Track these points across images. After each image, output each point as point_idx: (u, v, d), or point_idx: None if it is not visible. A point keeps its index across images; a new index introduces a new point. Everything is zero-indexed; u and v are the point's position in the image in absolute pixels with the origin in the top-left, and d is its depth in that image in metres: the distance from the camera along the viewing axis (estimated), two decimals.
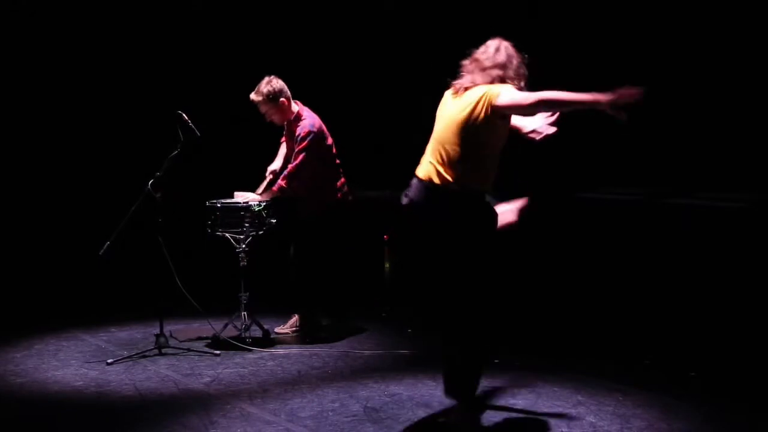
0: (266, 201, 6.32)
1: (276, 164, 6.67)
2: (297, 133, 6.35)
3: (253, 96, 6.37)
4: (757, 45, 6.47)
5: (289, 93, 6.40)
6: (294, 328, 6.63)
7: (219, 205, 6.29)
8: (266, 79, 6.36)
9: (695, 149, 6.92)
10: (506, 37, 4.47)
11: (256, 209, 6.26)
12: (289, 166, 6.33)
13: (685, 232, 6.76)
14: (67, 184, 8.92)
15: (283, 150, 6.70)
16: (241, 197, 6.36)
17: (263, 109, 6.40)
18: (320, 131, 6.38)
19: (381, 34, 8.87)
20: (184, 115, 6.12)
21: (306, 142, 6.30)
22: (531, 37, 7.67)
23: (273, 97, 6.32)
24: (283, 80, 6.42)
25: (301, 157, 6.29)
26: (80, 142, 8.96)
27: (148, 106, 8.75)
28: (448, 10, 8.31)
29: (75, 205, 8.78)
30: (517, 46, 4.46)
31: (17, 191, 8.72)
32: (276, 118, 6.45)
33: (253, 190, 6.48)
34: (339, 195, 6.52)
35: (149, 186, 6.03)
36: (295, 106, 6.46)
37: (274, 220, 6.40)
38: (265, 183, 6.59)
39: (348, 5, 8.97)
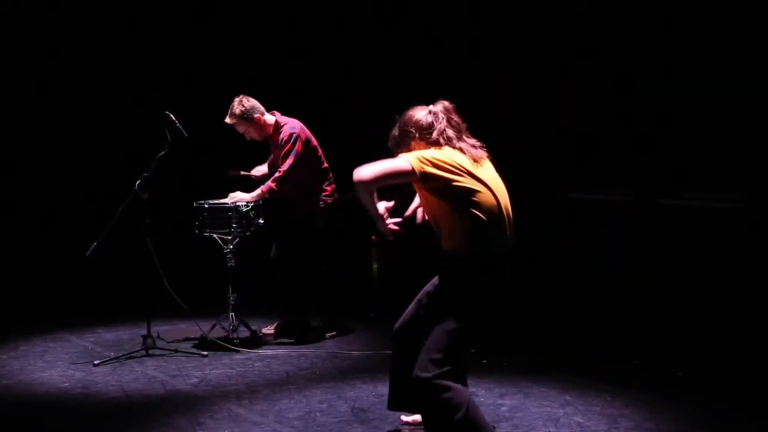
0: (254, 201, 6.31)
1: (264, 168, 6.67)
2: (280, 139, 6.35)
3: (227, 120, 6.37)
4: (750, 46, 6.50)
5: (262, 108, 6.39)
6: (275, 329, 6.64)
7: (207, 206, 6.28)
8: (236, 100, 6.35)
9: (686, 149, 6.95)
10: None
11: (244, 210, 6.25)
12: (279, 170, 6.31)
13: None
14: (55, 184, 8.89)
15: (271, 158, 6.68)
16: (230, 198, 6.35)
17: (241, 129, 6.41)
18: (302, 132, 6.38)
19: (369, 36, 8.88)
20: (171, 115, 6.11)
21: (290, 144, 6.30)
22: (522, 38, 7.75)
23: (247, 116, 6.32)
24: (272, 80, 6.42)
25: (290, 159, 6.28)
26: (68, 141, 8.94)
27: (136, 107, 8.73)
28: (436, 15, 8.33)
29: (62, 206, 8.76)
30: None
31: (2, 192, 8.68)
32: (256, 135, 6.46)
33: (242, 190, 6.46)
34: (329, 200, 6.52)
35: (137, 186, 6.02)
36: (272, 117, 6.45)
37: (262, 221, 6.40)
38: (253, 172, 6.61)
39: (336, 8, 8.97)
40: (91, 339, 6.72)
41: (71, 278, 8.00)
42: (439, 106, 4.16)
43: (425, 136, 4.09)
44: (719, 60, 6.64)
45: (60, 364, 6.01)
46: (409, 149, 4.10)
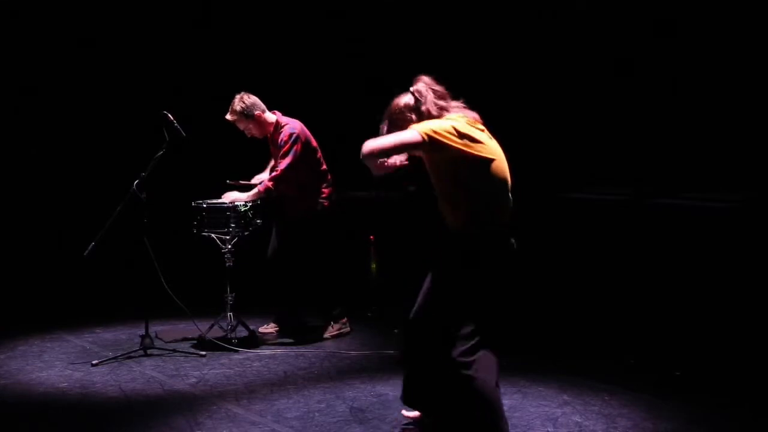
0: (252, 201, 6.31)
1: (264, 174, 6.65)
2: (280, 139, 6.35)
3: (228, 116, 6.37)
4: (747, 46, 6.51)
5: (263, 105, 6.39)
6: (276, 328, 6.65)
7: (205, 206, 6.28)
8: (237, 97, 6.34)
9: (682, 149, 6.95)
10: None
11: (242, 210, 6.25)
12: (277, 169, 6.32)
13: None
14: (52, 184, 8.88)
15: (272, 163, 6.67)
16: (226, 197, 6.35)
17: (241, 126, 6.41)
18: (302, 133, 6.39)
19: (367, 34, 8.87)
20: (169, 115, 6.10)
21: (289, 144, 6.30)
22: (524, 40, 7.75)
23: (247, 113, 6.31)
24: (270, 80, 6.41)
25: (287, 159, 6.28)
26: (66, 141, 8.93)
27: (134, 107, 8.73)
28: (434, 15, 8.33)
29: (60, 206, 8.75)
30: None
31: (0, 192, 8.67)
32: (256, 133, 6.45)
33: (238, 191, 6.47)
34: (326, 203, 6.52)
35: (135, 186, 6.01)
36: (273, 116, 6.45)
37: (260, 221, 6.40)
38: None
39: (332, 6, 8.97)
40: (90, 339, 6.72)
41: (69, 278, 7.99)
42: (420, 83, 4.17)
43: (420, 114, 4.10)
44: (719, 60, 6.64)
45: (58, 364, 6.00)
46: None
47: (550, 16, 7.68)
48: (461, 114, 4.11)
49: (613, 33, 7.30)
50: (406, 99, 4.16)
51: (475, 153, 3.97)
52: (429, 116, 4.09)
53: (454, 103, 4.16)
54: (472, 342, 4.02)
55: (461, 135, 3.96)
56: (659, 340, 6.17)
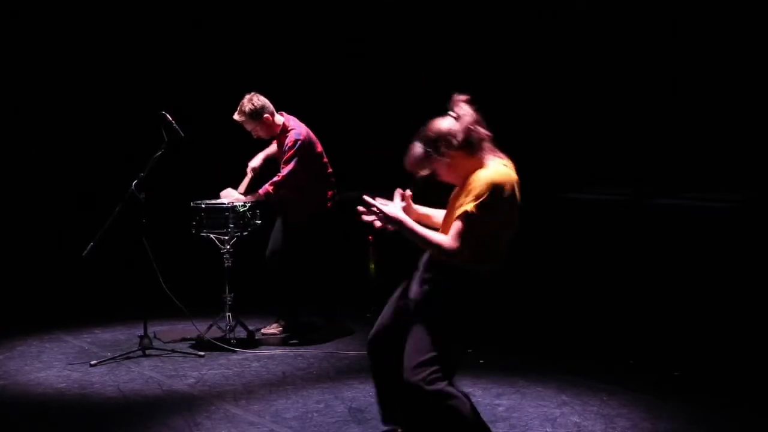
0: (251, 202, 6.30)
1: (256, 161, 6.61)
2: (285, 144, 6.34)
3: (236, 116, 6.34)
4: (747, 46, 6.50)
5: (272, 107, 6.37)
6: (279, 329, 6.64)
7: (203, 206, 6.27)
8: (247, 97, 6.31)
9: (682, 149, 6.95)
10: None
11: (241, 210, 6.24)
12: (278, 175, 6.31)
13: None
14: (51, 184, 8.89)
15: (270, 149, 6.64)
16: (226, 197, 6.35)
17: (249, 127, 6.39)
18: (308, 139, 6.37)
19: (367, 35, 8.87)
20: (167, 115, 6.10)
21: (294, 150, 6.28)
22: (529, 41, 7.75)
23: (256, 114, 6.29)
24: (272, 80, 6.40)
25: (290, 166, 6.27)
26: (64, 142, 8.93)
27: (132, 107, 8.73)
28: (434, 16, 8.32)
29: (58, 206, 8.75)
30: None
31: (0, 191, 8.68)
32: (263, 134, 6.43)
33: (236, 188, 6.46)
34: (329, 205, 6.51)
35: (133, 186, 6.01)
36: (281, 118, 6.43)
37: (259, 221, 6.39)
38: (246, 180, 6.55)
39: (336, 8, 8.97)
40: (88, 339, 6.71)
41: (68, 278, 7.99)
42: (464, 109, 3.91)
43: (462, 146, 3.84)
44: (719, 60, 6.64)
45: (57, 365, 6.00)
46: (443, 163, 3.86)
47: (550, 16, 7.68)
48: (505, 161, 3.91)
49: (613, 33, 7.29)
50: (448, 123, 3.87)
51: (510, 207, 3.82)
52: (468, 151, 3.84)
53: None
54: (447, 369, 3.86)
55: (499, 201, 3.77)
56: (659, 340, 6.16)
